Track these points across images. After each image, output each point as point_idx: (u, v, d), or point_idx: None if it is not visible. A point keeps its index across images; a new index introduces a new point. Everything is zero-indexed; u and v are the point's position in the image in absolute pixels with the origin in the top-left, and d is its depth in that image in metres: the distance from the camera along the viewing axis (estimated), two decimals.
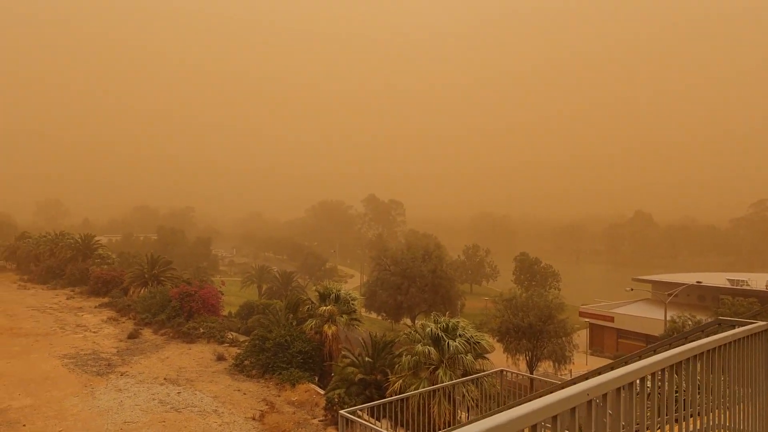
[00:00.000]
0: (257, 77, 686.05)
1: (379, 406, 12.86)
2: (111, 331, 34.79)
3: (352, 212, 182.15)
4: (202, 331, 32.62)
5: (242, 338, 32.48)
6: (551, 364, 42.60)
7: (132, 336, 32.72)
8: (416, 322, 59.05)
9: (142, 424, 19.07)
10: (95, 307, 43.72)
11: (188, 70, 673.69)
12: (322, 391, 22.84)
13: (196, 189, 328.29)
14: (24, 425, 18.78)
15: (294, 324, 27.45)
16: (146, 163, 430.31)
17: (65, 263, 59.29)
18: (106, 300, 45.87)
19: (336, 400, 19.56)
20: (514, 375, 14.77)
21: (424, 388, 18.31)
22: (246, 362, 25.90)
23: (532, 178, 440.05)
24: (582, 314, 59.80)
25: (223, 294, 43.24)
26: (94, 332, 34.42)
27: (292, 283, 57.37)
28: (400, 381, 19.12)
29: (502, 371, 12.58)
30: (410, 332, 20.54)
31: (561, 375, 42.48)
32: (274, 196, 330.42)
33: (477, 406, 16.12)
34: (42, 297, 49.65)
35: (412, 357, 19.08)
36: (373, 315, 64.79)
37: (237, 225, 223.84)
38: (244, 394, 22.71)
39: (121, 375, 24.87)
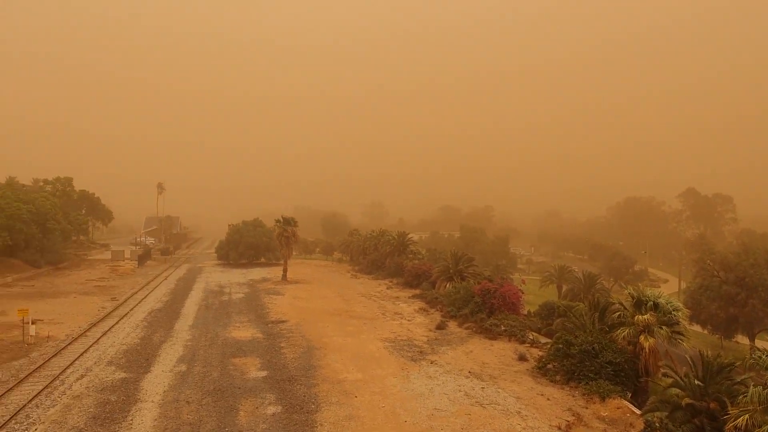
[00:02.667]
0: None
1: None
2: (422, 321, 38.04)
3: (666, 209, 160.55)
4: (503, 328, 32.82)
5: (543, 339, 31.43)
6: None
7: (440, 327, 35.09)
8: (755, 341, 48.31)
9: (450, 413, 19.89)
10: (409, 298, 48.77)
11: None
12: (637, 411, 20.16)
13: (494, 189, 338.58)
14: (356, 396, 21.67)
15: (602, 331, 25.09)
16: (454, 165, 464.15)
17: (385, 257, 68.26)
18: (417, 291, 50.81)
19: (657, 424, 16.89)
20: None
21: None
22: (549, 366, 24.81)
23: None
24: None
25: (523, 293, 42.86)
26: (408, 320, 38.19)
27: (596, 285, 53.22)
28: (746, 416, 15.36)
29: None
30: (760, 355, 16.36)
31: None
32: (570, 194, 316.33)
33: None
34: (368, 285, 57.91)
35: (764, 389, 15.10)
36: (694, 327, 55.49)
37: (534, 223, 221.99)
38: (548, 399, 21.67)
39: (431, 363, 26.67)
